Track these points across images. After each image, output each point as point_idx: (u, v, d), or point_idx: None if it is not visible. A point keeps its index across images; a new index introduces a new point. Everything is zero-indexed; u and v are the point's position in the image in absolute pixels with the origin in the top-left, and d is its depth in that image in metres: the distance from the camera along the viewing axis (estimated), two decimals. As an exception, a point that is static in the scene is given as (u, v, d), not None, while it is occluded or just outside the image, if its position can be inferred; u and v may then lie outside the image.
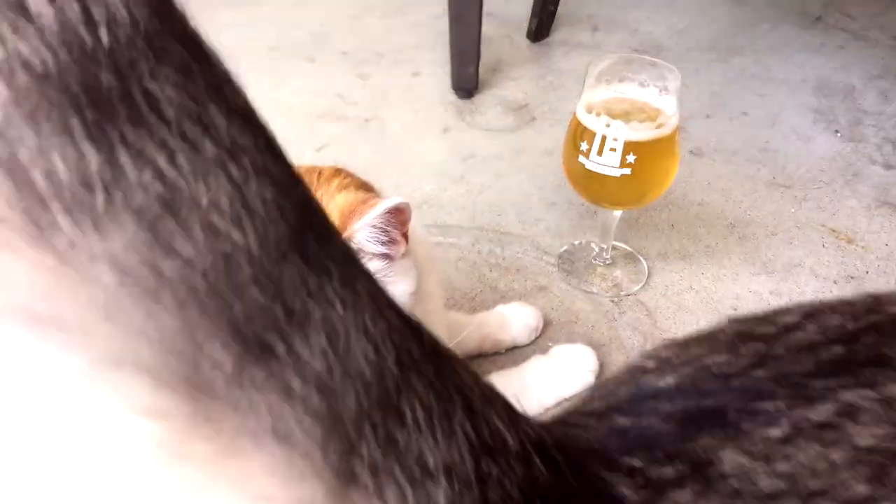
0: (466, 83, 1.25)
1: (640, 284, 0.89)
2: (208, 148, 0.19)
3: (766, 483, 0.23)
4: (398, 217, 0.51)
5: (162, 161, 0.18)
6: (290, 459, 0.20)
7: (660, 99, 0.80)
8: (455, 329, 0.75)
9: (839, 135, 1.16)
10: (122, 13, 0.18)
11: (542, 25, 1.43)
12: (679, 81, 0.78)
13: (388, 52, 1.42)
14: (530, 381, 0.73)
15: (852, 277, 0.90)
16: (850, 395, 0.25)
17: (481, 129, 1.19)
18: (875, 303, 0.30)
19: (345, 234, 0.51)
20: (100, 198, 0.17)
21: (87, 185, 0.17)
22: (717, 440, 0.25)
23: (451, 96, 1.27)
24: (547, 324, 0.83)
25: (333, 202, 0.53)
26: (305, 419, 0.20)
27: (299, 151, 1.17)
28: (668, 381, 0.29)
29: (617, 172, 0.77)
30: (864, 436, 0.24)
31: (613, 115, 0.77)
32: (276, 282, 0.19)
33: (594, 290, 0.88)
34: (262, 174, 0.19)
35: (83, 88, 0.17)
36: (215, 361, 0.19)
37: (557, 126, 1.17)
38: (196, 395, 0.19)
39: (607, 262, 0.91)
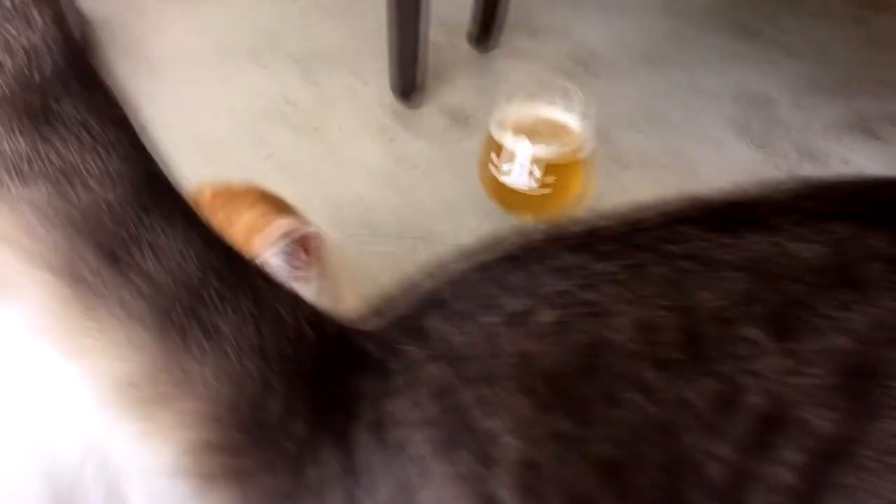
0: (405, 87, 1.30)
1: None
2: (88, 141, 0.30)
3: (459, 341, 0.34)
4: (304, 244, 0.57)
5: (62, 147, 0.30)
6: (135, 329, 0.32)
7: (572, 119, 0.86)
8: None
9: (754, 145, 1.23)
10: (47, 62, 0.30)
11: (483, 32, 1.48)
12: (583, 105, 0.84)
13: (337, 56, 1.46)
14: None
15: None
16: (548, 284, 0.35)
17: (421, 136, 1.25)
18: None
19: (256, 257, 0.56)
20: (26, 166, 0.30)
21: (20, 158, 0.29)
22: (447, 324, 0.35)
23: (394, 102, 1.32)
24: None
25: (241, 220, 0.59)
26: (144, 301, 0.31)
27: (245, 158, 1.20)
28: (441, 287, 0.39)
29: (527, 188, 0.84)
30: (547, 316, 0.33)
31: (527, 134, 0.84)
32: (122, 217, 0.31)
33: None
34: (123, 160, 0.32)
35: (22, 104, 0.29)
36: (86, 262, 0.31)
37: (492, 133, 1.23)
38: (74, 282, 0.31)
39: (526, 267, 0.98)
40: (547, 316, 0.33)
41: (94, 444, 0.59)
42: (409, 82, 1.30)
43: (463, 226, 1.06)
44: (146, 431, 0.33)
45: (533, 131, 0.84)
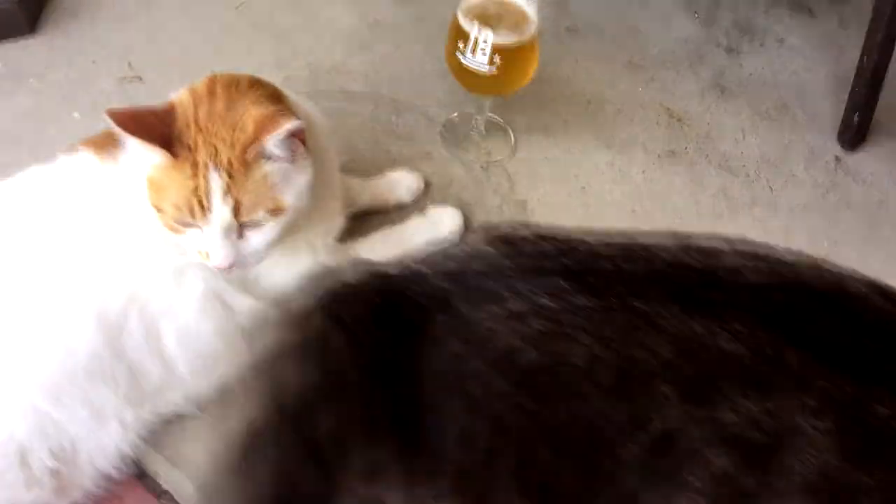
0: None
1: (506, 154, 1.10)
2: None
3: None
4: (297, 134, 0.69)
5: None
6: None
7: (528, 5, 0.96)
8: (351, 191, 0.96)
9: (697, 17, 1.34)
10: None
11: None
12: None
13: None
14: (408, 235, 0.96)
15: (673, 153, 1.14)
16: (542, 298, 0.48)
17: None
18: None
19: (258, 144, 0.69)
20: None
21: None
22: (468, 305, 0.49)
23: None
24: (428, 185, 1.04)
25: (249, 114, 0.71)
26: None
27: (216, 9, 1.25)
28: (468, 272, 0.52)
29: (485, 70, 0.95)
30: (536, 323, 0.47)
31: (487, 19, 0.94)
32: None
33: (469, 157, 1.09)
34: None
35: None
36: None
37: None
38: None
39: (482, 133, 1.11)
40: (536, 323, 0.47)
41: (136, 295, 0.75)
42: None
43: (421, 86, 1.16)
44: None
45: (491, 16, 0.94)
